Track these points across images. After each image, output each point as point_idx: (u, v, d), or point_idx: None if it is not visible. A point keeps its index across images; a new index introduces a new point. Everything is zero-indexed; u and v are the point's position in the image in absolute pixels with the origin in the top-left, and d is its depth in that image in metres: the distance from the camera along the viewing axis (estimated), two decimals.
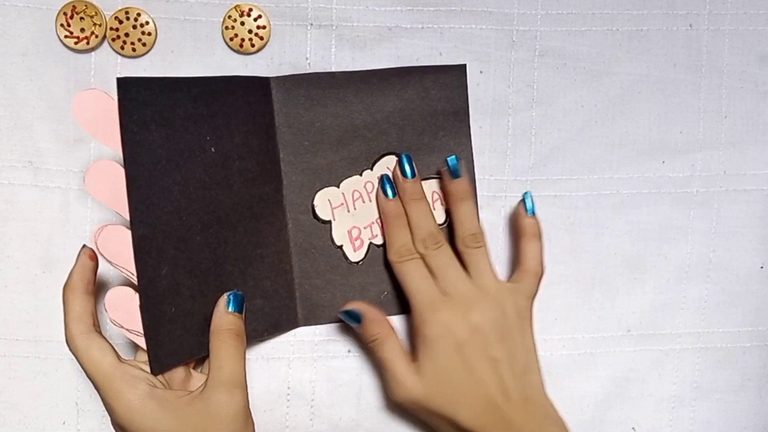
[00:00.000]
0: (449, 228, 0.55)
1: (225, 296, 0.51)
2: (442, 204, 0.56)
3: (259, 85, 0.53)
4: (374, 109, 0.55)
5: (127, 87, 0.47)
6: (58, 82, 0.53)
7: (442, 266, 0.52)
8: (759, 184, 0.58)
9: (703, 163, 0.58)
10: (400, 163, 0.54)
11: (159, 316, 0.49)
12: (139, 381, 0.47)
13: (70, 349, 0.48)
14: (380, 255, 0.56)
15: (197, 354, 0.51)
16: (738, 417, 0.60)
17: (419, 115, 0.55)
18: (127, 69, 0.53)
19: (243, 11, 0.53)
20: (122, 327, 0.48)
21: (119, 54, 0.53)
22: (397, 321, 0.56)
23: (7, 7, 0.53)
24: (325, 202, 0.55)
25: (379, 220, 0.56)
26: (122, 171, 0.47)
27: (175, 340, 0.50)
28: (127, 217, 0.47)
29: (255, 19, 0.53)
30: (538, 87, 0.56)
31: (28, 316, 0.54)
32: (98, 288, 0.52)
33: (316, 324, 0.56)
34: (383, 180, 0.54)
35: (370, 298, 0.56)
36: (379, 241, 0.56)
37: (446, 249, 0.53)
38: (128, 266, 0.48)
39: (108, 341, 0.48)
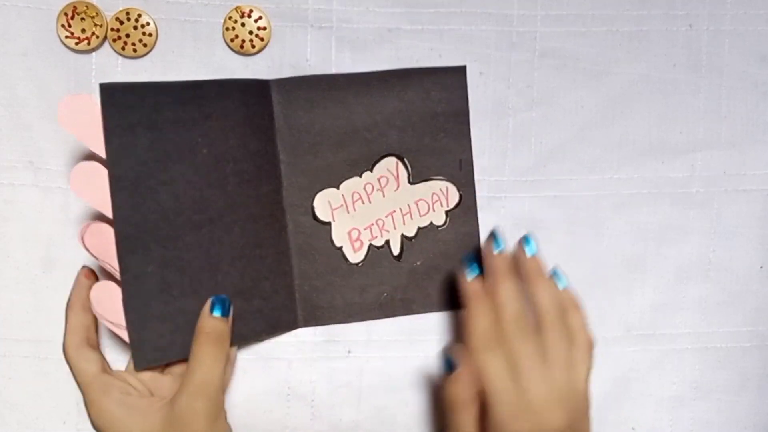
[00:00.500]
0: (449, 231, 0.55)
1: (210, 300, 0.51)
2: (442, 206, 0.56)
3: (259, 88, 0.53)
4: (374, 111, 0.55)
5: (110, 93, 0.48)
6: (58, 82, 0.53)
7: (524, 357, 0.49)
8: (759, 184, 0.58)
9: (703, 163, 0.58)
10: (493, 237, 0.52)
11: (144, 313, 0.50)
12: (112, 389, 0.49)
13: (65, 359, 0.51)
14: (380, 256, 0.56)
15: (189, 353, 0.51)
16: (738, 417, 0.60)
17: (419, 116, 0.55)
18: (127, 69, 0.53)
19: (243, 12, 0.53)
20: (106, 320, 0.50)
21: (120, 54, 0.53)
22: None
23: (7, 7, 0.53)
24: (324, 203, 0.55)
25: (379, 221, 0.56)
26: (106, 172, 0.48)
27: (163, 337, 0.51)
28: (111, 217, 0.48)
29: (255, 21, 0.53)
30: (538, 88, 0.56)
31: (28, 316, 0.54)
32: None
33: (316, 325, 0.56)
34: (468, 259, 0.53)
35: (369, 299, 0.56)
36: (379, 242, 0.56)
37: (533, 337, 0.49)
38: (114, 263, 0.49)
39: (97, 354, 0.50)
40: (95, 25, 0.52)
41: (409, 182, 0.56)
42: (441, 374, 0.53)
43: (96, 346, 0.51)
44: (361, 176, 0.56)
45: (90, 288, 0.50)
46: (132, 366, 0.52)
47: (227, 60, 0.54)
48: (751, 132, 0.58)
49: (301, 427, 0.56)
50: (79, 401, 0.54)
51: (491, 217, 0.57)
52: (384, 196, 0.56)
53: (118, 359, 0.54)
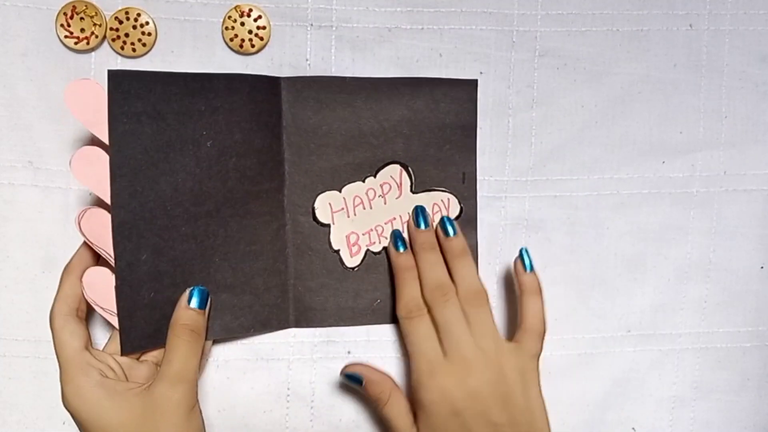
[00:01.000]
0: None
1: (187, 291, 0.51)
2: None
3: (269, 85, 0.53)
4: (382, 117, 0.55)
5: (117, 79, 0.49)
6: (58, 82, 0.53)
7: (446, 322, 0.51)
8: (759, 184, 0.58)
9: (703, 163, 0.58)
10: (414, 213, 0.55)
11: (134, 300, 0.50)
12: (92, 369, 0.49)
13: (50, 326, 0.50)
14: (376, 262, 0.56)
15: None
16: (738, 417, 0.60)
17: (427, 126, 0.55)
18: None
19: (243, 12, 0.53)
20: (97, 305, 0.50)
21: (119, 54, 0.53)
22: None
23: (7, 7, 0.53)
24: (325, 205, 0.55)
25: (378, 227, 0.56)
26: (107, 158, 0.49)
27: (151, 324, 0.51)
28: (110, 203, 0.49)
29: (255, 20, 0.53)
30: (538, 87, 0.56)
31: (28, 316, 0.54)
32: None
33: (307, 326, 0.56)
34: (394, 235, 0.55)
35: (363, 305, 0.56)
36: (376, 248, 0.56)
37: (454, 303, 0.52)
38: (108, 249, 0.50)
39: (83, 328, 0.50)
40: (94, 24, 0.52)
41: (412, 191, 0.56)
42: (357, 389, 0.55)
43: (83, 319, 0.51)
44: (364, 181, 0.55)
45: (94, 260, 0.51)
46: (110, 347, 0.52)
47: (227, 59, 0.54)
48: (751, 132, 0.58)
49: (300, 427, 0.56)
50: None
51: (491, 217, 0.57)
52: (385, 202, 0.56)
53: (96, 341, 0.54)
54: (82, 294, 0.50)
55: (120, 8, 0.53)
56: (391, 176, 0.56)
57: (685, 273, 0.58)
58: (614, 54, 0.57)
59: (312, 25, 0.54)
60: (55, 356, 0.54)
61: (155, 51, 0.54)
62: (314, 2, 0.54)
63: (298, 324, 0.56)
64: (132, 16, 0.53)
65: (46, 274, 0.54)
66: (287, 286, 0.55)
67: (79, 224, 0.49)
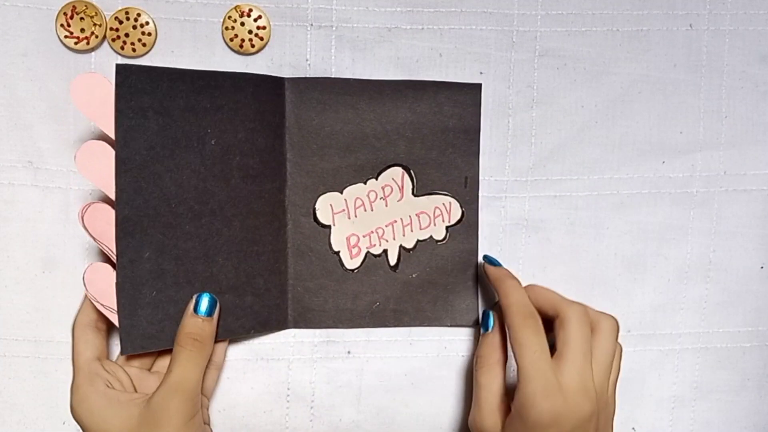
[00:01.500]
0: (448, 246, 0.56)
1: (194, 297, 0.51)
2: (443, 221, 0.56)
3: (273, 85, 0.53)
4: (385, 120, 0.55)
5: (125, 74, 0.49)
6: (58, 82, 0.53)
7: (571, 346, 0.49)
8: (759, 184, 0.58)
9: (703, 163, 0.58)
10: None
11: (136, 298, 0.50)
12: (98, 379, 0.49)
13: (71, 334, 0.52)
14: (376, 265, 0.56)
15: None
16: (738, 417, 0.60)
17: (430, 129, 0.55)
18: None
19: (243, 12, 0.53)
20: (98, 302, 0.50)
21: (119, 54, 0.53)
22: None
23: (7, 7, 0.53)
24: (326, 206, 0.55)
25: (379, 230, 0.56)
26: (113, 153, 0.49)
27: (153, 324, 0.51)
28: (114, 198, 0.49)
29: (255, 20, 0.53)
30: (538, 87, 0.56)
31: (28, 316, 0.54)
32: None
33: (306, 327, 0.56)
34: (486, 258, 0.55)
35: (361, 307, 0.56)
36: (377, 250, 0.56)
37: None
38: (111, 245, 0.49)
39: (100, 339, 0.51)
40: (94, 24, 0.52)
41: (413, 194, 0.56)
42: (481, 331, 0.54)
43: (102, 330, 0.52)
44: (365, 183, 0.55)
45: None
46: (122, 358, 0.52)
47: (227, 59, 0.54)
48: (751, 132, 0.58)
49: (300, 427, 0.56)
50: None
51: (491, 217, 0.57)
52: (386, 205, 0.56)
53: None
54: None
55: (120, 8, 0.53)
56: (392, 179, 0.55)
57: (685, 273, 0.58)
58: (614, 54, 0.57)
59: (312, 25, 0.54)
60: (55, 356, 0.54)
61: (155, 51, 0.54)
62: (314, 2, 0.54)
63: (297, 325, 0.56)
64: (132, 16, 0.53)
65: (46, 274, 0.54)
66: (287, 287, 0.55)
67: (82, 219, 0.49)
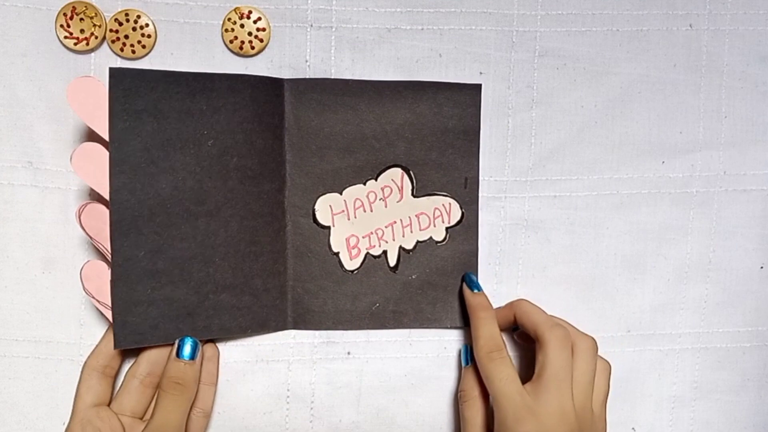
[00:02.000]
0: (448, 247, 0.56)
1: (177, 342, 0.52)
2: (443, 222, 0.56)
3: (272, 86, 0.53)
4: (384, 120, 0.55)
5: (119, 77, 0.49)
6: (58, 82, 0.53)
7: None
8: (759, 184, 0.58)
9: (703, 163, 0.58)
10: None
11: (130, 295, 0.51)
12: (89, 427, 0.50)
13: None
14: (376, 266, 0.56)
15: (173, 339, 0.52)
16: (738, 417, 0.60)
17: (429, 130, 0.55)
18: None
19: (243, 13, 0.53)
20: (93, 298, 0.51)
21: (119, 56, 0.53)
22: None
23: (7, 8, 0.53)
24: (326, 207, 0.55)
25: (378, 231, 0.56)
26: (107, 154, 0.49)
27: (147, 320, 0.51)
28: (108, 199, 0.50)
29: (255, 22, 0.53)
30: (537, 88, 0.56)
31: (28, 316, 0.54)
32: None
33: (305, 329, 0.56)
34: (469, 277, 0.56)
35: (361, 308, 0.56)
36: (376, 251, 0.56)
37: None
38: (106, 244, 0.50)
39: (104, 386, 0.52)
40: (94, 25, 0.52)
41: (413, 195, 0.56)
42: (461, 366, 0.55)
43: (109, 377, 0.52)
44: (365, 184, 0.55)
45: None
46: (117, 404, 0.52)
47: (226, 61, 0.54)
48: (751, 132, 0.58)
49: (300, 428, 0.56)
50: None
51: (491, 217, 0.57)
52: (386, 206, 0.56)
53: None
54: (117, 354, 0.52)
55: (120, 10, 0.53)
56: (392, 179, 0.55)
57: (684, 273, 0.58)
58: (614, 54, 0.56)
59: (312, 26, 0.54)
60: (55, 357, 0.55)
61: (155, 53, 0.54)
62: (314, 3, 0.54)
63: (296, 326, 0.56)
64: (132, 17, 0.53)
65: (46, 274, 0.54)
66: (286, 288, 0.55)
67: (79, 218, 0.50)
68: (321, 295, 0.56)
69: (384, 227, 0.56)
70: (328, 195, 0.55)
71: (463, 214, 0.56)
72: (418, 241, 0.56)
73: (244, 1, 0.54)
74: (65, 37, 0.52)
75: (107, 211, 0.50)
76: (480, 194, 0.56)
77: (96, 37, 0.53)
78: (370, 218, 0.56)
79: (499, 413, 0.50)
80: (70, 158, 0.49)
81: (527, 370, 0.56)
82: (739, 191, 0.58)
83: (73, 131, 0.53)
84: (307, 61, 0.55)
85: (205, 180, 0.52)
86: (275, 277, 0.55)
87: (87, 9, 0.52)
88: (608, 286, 0.58)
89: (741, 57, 0.57)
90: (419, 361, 0.57)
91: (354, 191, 0.55)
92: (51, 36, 0.53)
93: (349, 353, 0.56)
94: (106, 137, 0.49)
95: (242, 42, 0.53)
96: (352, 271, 0.56)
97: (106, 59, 0.53)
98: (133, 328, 0.51)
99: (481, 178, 0.56)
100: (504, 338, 0.53)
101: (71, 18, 0.52)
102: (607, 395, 0.53)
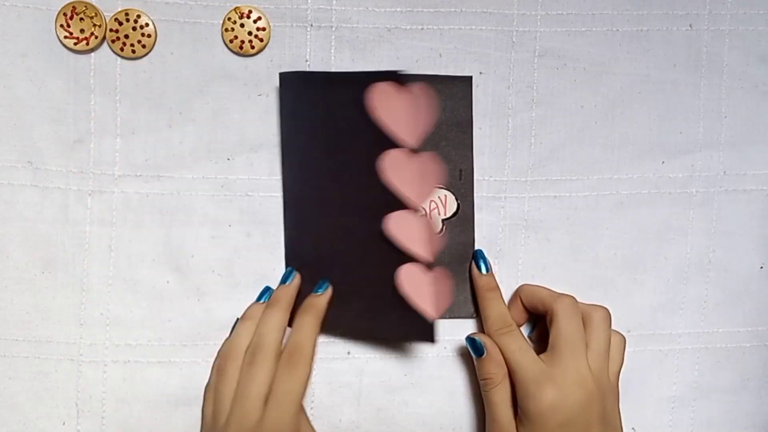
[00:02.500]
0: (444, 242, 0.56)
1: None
2: (439, 213, 0.56)
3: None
4: None
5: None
6: (58, 82, 0.53)
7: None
8: (759, 184, 0.58)
9: (703, 163, 0.58)
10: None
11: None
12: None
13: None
14: None
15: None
16: (738, 417, 0.60)
17: None
18: (126, 70, 0.53)
19: (242, 13, 0.53)
20: (411, 299, 0.52)
21: (119, 55, 0.53)
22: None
23: (7, 8, 0.53)
24: None
25: None
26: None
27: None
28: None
29: (255, 21, 0.53)
30: (537, 88, 0.56)
31: (28, 316, 0.54)
32: None
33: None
34: (477, 255, 0.56)
35: None
36: None
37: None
38: (415, 249, 0.51)
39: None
40: (94, 25, 0.52)
41: None
42: (473, 358, 0.54)
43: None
44: None
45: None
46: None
47: (226, 61, 0.54)
48: (751, 132, 0.58)
49: None
50: (79, 401, 0.54)
51: (490, 217, 0.57)
52: None
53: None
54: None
55: (120, 9, 0.53)
56: None
57: (684, 273, 0.58)
58: (614, 54, 0.57)
59: (312, 25, 0.54)
60: (55, 356, 0.54)
61: (155, 52, 0.54)
62: (314, 3, 0.54)
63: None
64: (132, 17, 0.53)
65: (46, 274, 0.54)
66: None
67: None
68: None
69: None
70: None
71: (458, 205, 0.56)
72: None
73: (244, 1, 0.54)
74: (65, 37, 0.52)
75: (415, 218, 0.51)
76: (480, 194, 0.56)
77: (96, 37, 0.53)
78: None
79: (519, 385, 0.51)
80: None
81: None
82: (739, 191, 0.58)
83: (74, 131, 0.54)
84: (307, 61, 0.55)
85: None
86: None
87: (87, 9, 0.52)
88: (608, 286, 0.58)
89: (741, 57, 0.57)
90: (419, 360, 0.57)
91: None
92: (51, 36, 0.53)
93: (349, 353, 0.56)
94: (401, 135, 0.49)
95: (242, 41, 0.53)
96: None
97: (106, 59, 0.53)
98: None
99: (481, 178, 0.56)
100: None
101: (71, 18, 0.52)
102: (621, 367, 0.54)
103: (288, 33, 0.54)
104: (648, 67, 0.57)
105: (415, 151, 0.50)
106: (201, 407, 0.54)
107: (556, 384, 0.50)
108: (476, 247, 0.57)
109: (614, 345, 0.53)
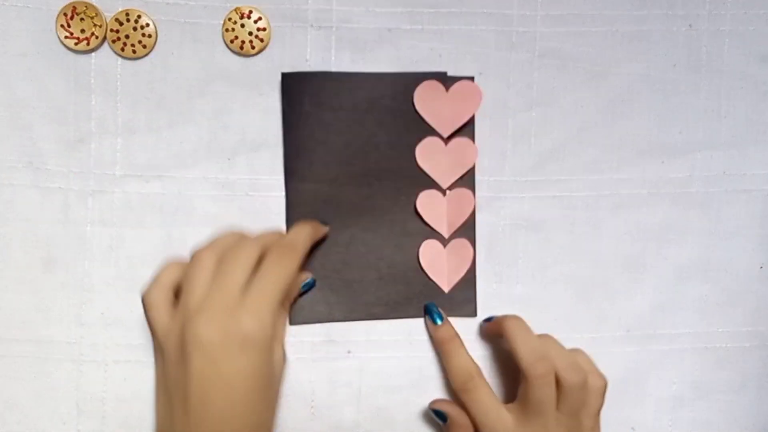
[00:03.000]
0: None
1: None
2: None
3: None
4: None
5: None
6: (58, 82, 0.53)
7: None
8: (759, 184, 0.58)
9: (703, 163, 0.58)
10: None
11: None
12: None
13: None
14: None
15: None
16: (738, 417, 0.60)
17: None
18: (127, 70, 0.54)
19: (243, 13, 0.53)
20: (428, 274, 0.56)
21: (119, 56, 0.53)
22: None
23: (7, 8, 0.53)
24: None
25: None
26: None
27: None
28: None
29: (255, 21, 0.53)
30: (537, 88, 0.56)
31: (29, 316, 0.54)
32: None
33: (303, 323, 0.56)
34: (429, 309, 0.56)
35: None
36: None
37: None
38: (440, 227, 0.56)
39: None
40: (95, 25, 0.53)
41: None
42: (440, 425, 0.55)
43: None
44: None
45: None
46: None
47: (227, 61, 0.54)
48: (751, 132, 0.58)
49: (300, 427, 0.56)
50: (79, 401, 0.54)
51: (490, 217, 0.57)
52: None
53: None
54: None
55: (120, 10, 0.53)
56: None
57: (684, 273, 0.58)
58: (614, 54, 0.57)
59: (312, 26, 0.54)
60: (55, 356, 0.54)
61: (155, 53, 0.54)
62: (314, 3, 0.54)
63: (294, 321, 0.56)
64: (132, 17, 0.53)
65: (46, 274, 0.54)
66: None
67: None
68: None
69: None
70: None
71: None
72: None
73: (244, 1, 0.54)
74: (66, 37, 0.52)
75: (440, 197, 0.55)
76: (479, 194, 0.56)
77: (96, 37, 0.53)
78: None
79: None
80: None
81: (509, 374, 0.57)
82: (739, 191, 0.58)
83: (74, 131, 0.54)
84: (307, 61, 0.55)
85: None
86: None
87: (87, 9, 0.52)
88: (608, 286, 0.58)
89: (741, 57, 0.57)
90: (419, 360, 0.57)
91: None
92: (51, 36, 0.53)
93: (349, 352, 0.56)
94: (440, 131, 0.54)
95: (243, 42, 0.53)
96: None
97: (106, 59, 0.53)
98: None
99: (480, 178, 0.56)
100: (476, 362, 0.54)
101: (71, 18, 0.52)
102: (600, 408, 0.53)
103: (288, 33, 0.54)
104: (648, 67, 0.57)
105: (448, 137, 0.53)
106: None
107: None
108: (426, 302, 0.56)
109: (594, 390, 0.52)
